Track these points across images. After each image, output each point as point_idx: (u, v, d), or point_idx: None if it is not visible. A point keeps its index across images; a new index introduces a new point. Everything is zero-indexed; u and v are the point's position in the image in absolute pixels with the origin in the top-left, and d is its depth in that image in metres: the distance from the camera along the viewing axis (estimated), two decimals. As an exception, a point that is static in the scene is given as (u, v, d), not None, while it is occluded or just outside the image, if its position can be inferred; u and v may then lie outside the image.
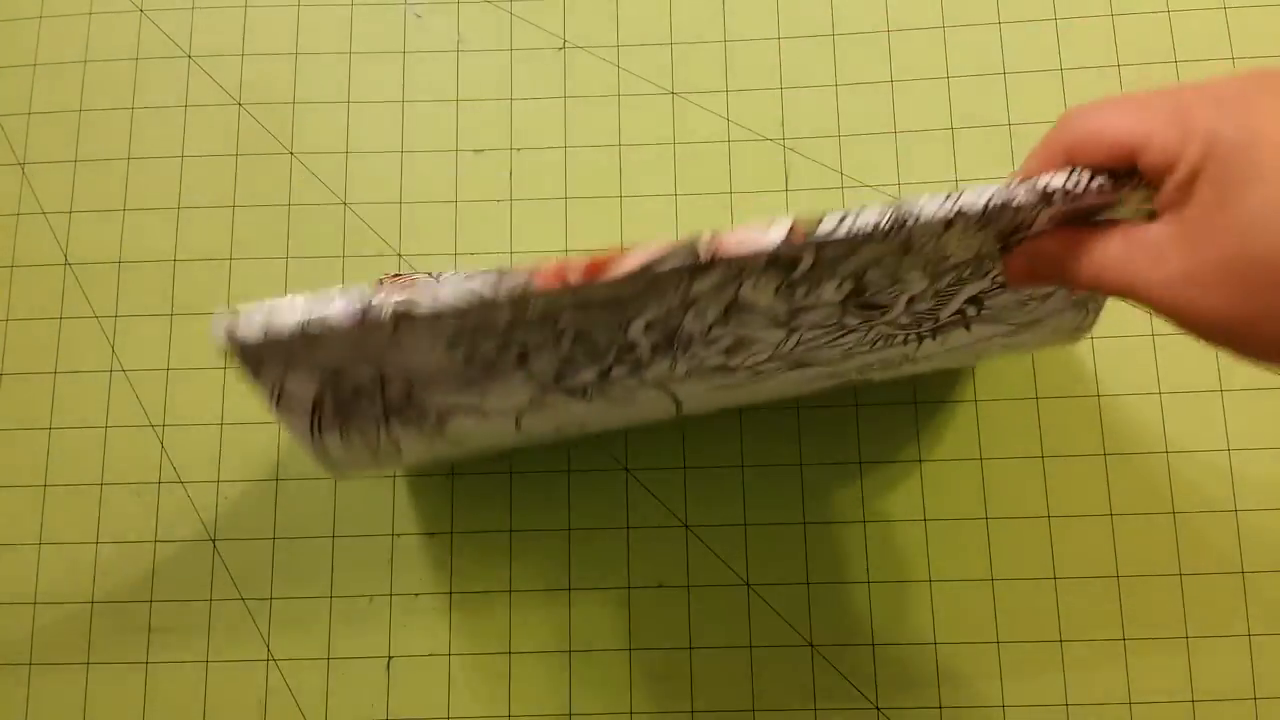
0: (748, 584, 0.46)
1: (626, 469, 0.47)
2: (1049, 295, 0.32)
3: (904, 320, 0.30)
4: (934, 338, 0.33)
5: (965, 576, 0.45)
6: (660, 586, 0.46)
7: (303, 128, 0.51)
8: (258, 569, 0.47)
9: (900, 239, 0.26)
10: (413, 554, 0.47)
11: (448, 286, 0.25)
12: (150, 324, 0.49)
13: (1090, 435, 0.46)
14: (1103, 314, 0.47)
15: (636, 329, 0.27)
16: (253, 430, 0.48)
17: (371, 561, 0.46)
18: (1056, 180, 0.25)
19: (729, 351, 0.30)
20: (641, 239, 0.49)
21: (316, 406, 0.31)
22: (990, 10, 0.51)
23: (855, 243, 0.25)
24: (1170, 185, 0.24)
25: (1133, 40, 0.50)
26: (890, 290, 0.28)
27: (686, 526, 0.46)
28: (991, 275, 0.29)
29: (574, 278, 0.24)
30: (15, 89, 0.52)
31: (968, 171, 0.49)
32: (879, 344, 0.32)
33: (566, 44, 0.52)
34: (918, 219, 0.25)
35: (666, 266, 0.25)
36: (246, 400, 0.48)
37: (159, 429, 0.48)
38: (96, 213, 0.50)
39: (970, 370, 0.47)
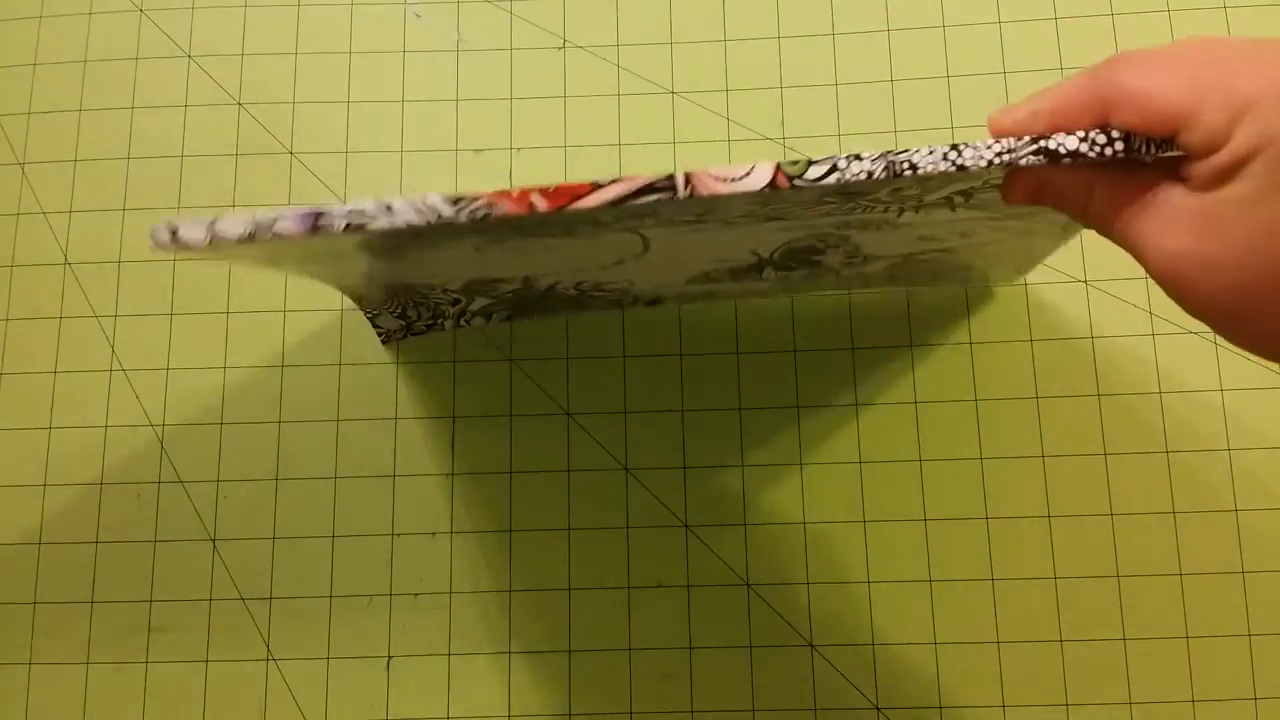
0: (748, 584, 0.46)
1: (626, 469, 0.47)
2: None
3: (886, 199, 0.30)
4: (916, 212, 0.32)
5: (965, 576, 0.45)
6: (660, 586, 0.46)
7: (302, 128, 0.51)
8: (258, 569, 0.47)
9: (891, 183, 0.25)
10: (413, 554, 0.47)
11: (402, 203, 0.25)
12: (150, 324, 0.49)
13: (1090, 435, 0.46)
14: (1104, 315, 0.47)
15: (605, 215, 0.28)
16: (253, 430, 0.48)
17: (371, 561, 0.46)
18: (1071, 142, 0.24)
19: (700, 215, 0.30)
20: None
21: (274, 260, 0.32)
22: (990, 10, 0.51)
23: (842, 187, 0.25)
24: (1207, 167, 0.23)
25: (1132, 40, 0.50)
26: (874, 188, 0.28)
27: (686, 526, 0.46)
28: (986, 181, 0.28)
29: (541, 205, 0.25)
30: (15, 89, 0.52)
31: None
32: (857, 210, 0.31)
33: (566, 44, 0.52)
34: (913, 172, 0.24)
35: (641, 200, 0.25)
36: (247, 400, 0.48)
37: (159, 429, 0.48)
38: (96, 212, 0.50)
39: (970, 370, 0.47)
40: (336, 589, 0.46)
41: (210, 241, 0.26)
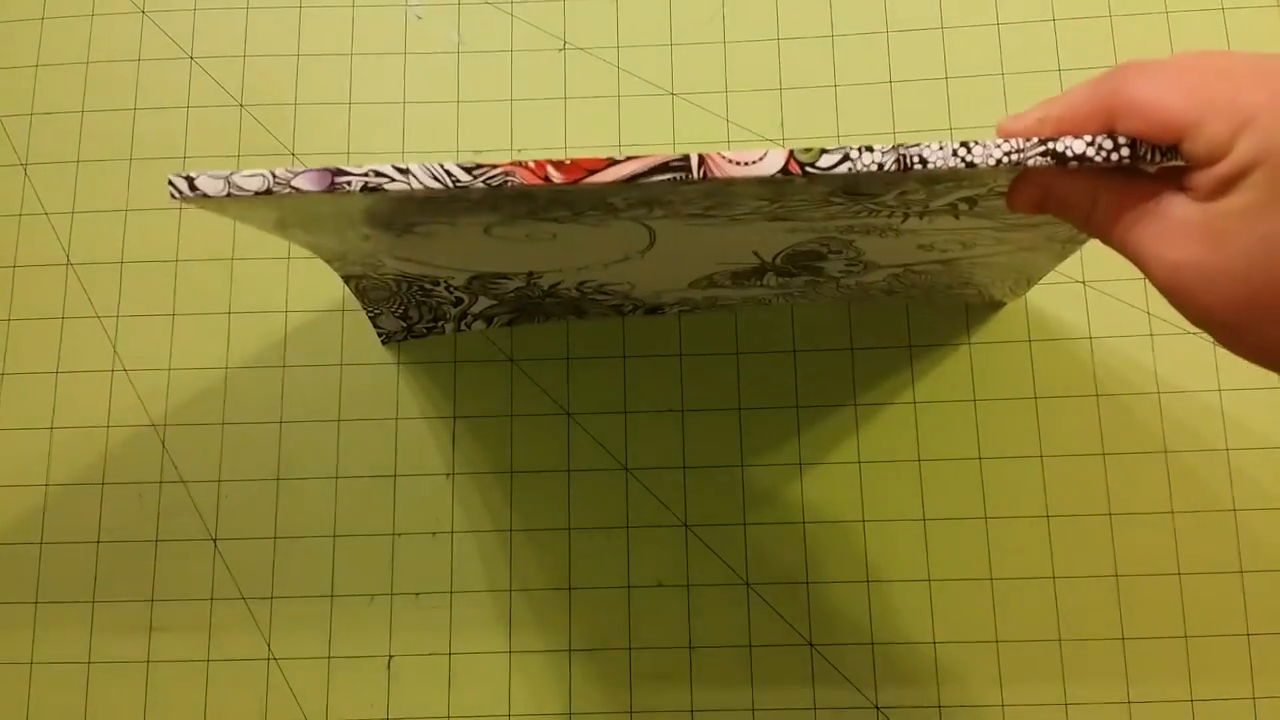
0: (748, 584, 0.46)
1: (626, 469, 0.47)
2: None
3: (892, 203, 0.30)
4: (920, 218, 0.33)
5: (965, 576, 0.45)
6: (660, 586, 0.46)
7: (304, 128, 0.51)
8: (258, 569, 0.47)
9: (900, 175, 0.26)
10: (413, 554, 0.47)
11: (420, 167, 0.25)
12: (151, 324, 0.49)
13: (1090, 435, 0.46)
14: (1103, 316, 0.47)
15: (616, 197, 0.28)
16: (253, 430, 0.48)
17: (371, 561, 0.47)
18: (1078, 145, 0.25)
19: (708, 208, 0.30)
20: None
21: (282, 223, 0.32)
22: (990, 11, 0.51)
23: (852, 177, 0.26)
24: (1209, 177, 0.23)
25: (1132, 41, 0.50)
26: (882, 186, 0.29)
27: (686, 526, 0.46)
28: (992, 188, 0.29)
29: (556, 177, 0.25)
30: (18, 89, 0.52)
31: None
32: (862, 214, 0.32)
33: (566, 44, 0.52)
34: (923, 166, 0.25)
35: (655, 179, 0.25)
36: (247, 400, 0.48)
37: (159, 429, 0.48)
38: (98, 213, 0.51)
39: (969, 370, 0.47)
40: (337, 589, 0.46)
41: (228, 194, 0.26)
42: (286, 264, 0.50)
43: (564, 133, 0.51)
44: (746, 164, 0.25)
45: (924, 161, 0.25)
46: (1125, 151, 0.24)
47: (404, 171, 0.25)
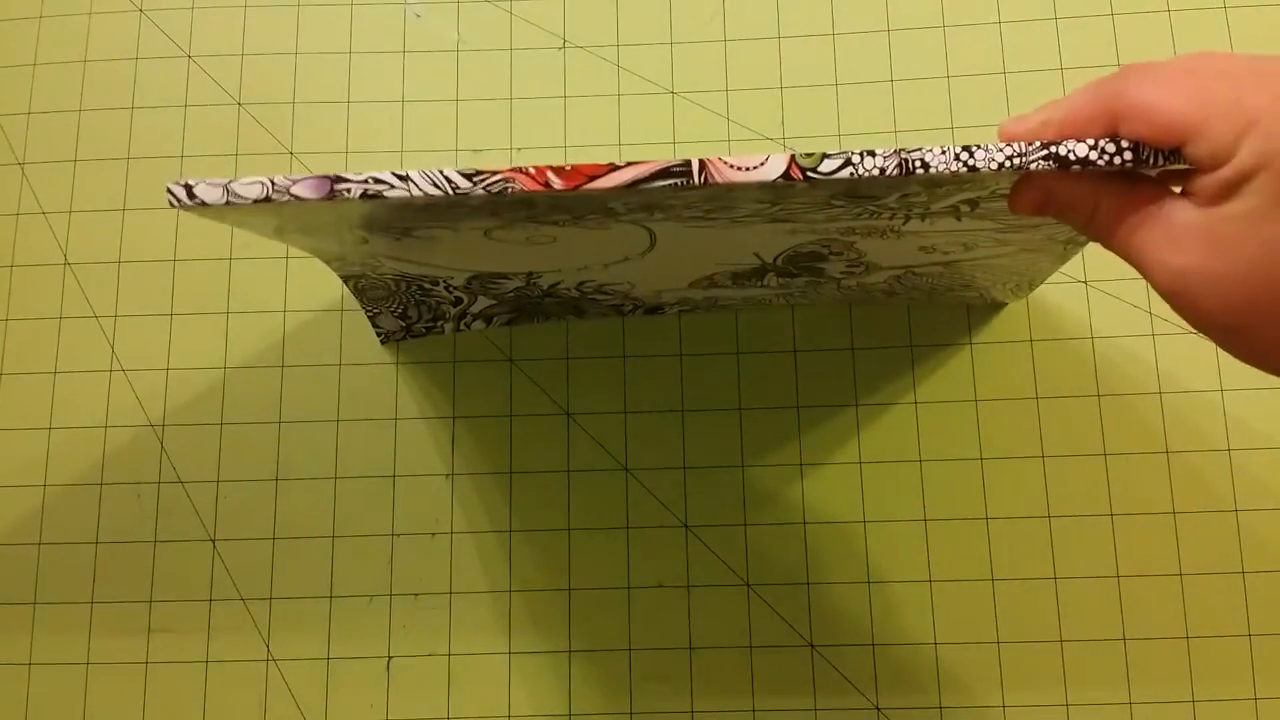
0: (748, 584, 0.46)
1: (626, 469, 0.47)
2: None
3: (893, 205, 0.30)
4: (922, 220, 0.33)
5: (965, 576, 0.45)
6: (660, 586, 0.46)
7: (302, 128, 0.51)
8: (258, 569, 0.47)
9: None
10: (413, 554, 0.46)
11: (419, 174, 0.25)
12: (150, 324, 0.49)
13: (1090, 435, 0.46)
14: (1104, 315, 0.47)
15: (616, 202, 0.28)
16: (253, 430, 0.48)
17: (371, 561, 0.46)
18: (1081, 149, 0.24)
19: (709, 211, 0.30)
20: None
21: (280, 229, 0.32)
22: (990, 10, 0.51)
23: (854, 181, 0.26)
24: (1212, 181, 0.23)
25: (1133, 40, 0.50)
26: (884, 190, 0.29)
27: (686, 526, 0.46)
28: (994, 190, 0.29)
29: (557, 184, 0.25)
30: (15, 89, 0.52)
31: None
32: (864, 216, 0.32)
33: (566, 44, 0.52)
34: (925, 170, 0.25)
35: (656, 184, 0.25)
36: (247, 400, 0.48)
37: (158, 429, 0.48)
38: (96, 212, 0.50)
39: (970, 370, 0.47)
40: (336, 589, 0.46)
41: (227, 202, 0.26)
42: (285, 264, 0.49)
43: (564, 131, 0.50)
44: (747, 169, 0.25)
45: (926, 166, 0.25)
46: (1128, 155, 0.24)
47: (404, 178, 0.25)
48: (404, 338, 0.48)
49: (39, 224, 0.50)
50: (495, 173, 0.25)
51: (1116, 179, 0.25)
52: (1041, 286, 0.47)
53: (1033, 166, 0.25)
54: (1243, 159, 0.22)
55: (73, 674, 0.46)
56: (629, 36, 0.52)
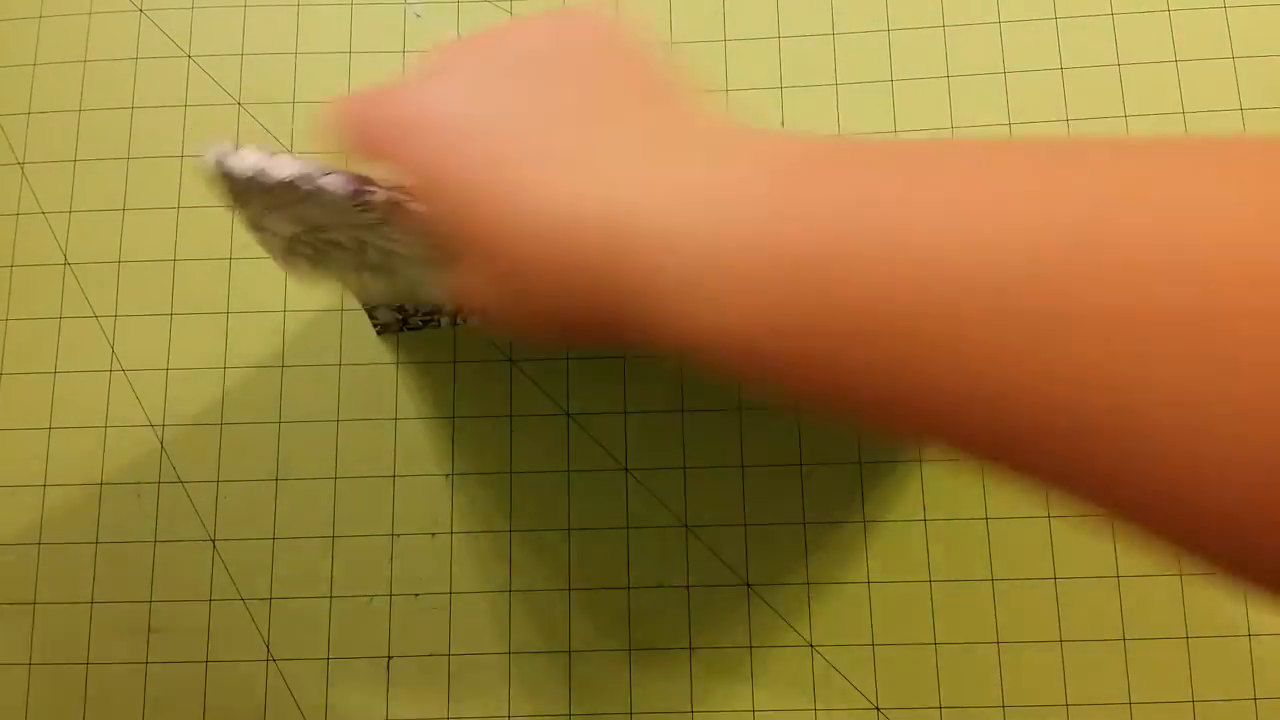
0: (748, 584, 0.46)
1: (626, 469, 0.47)
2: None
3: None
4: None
5: (965, 576, 0.45)
6: (660, 586, 0.46)
7: (302, 128, 0.51)
8: (258, 569, 0.47)
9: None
10: (413, 554, 0.47)
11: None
12: (150, 324, 0.49)
13: (1090, 435, 0.46)
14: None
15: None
16: (253, 430, 0.48)
17: (371, 561, 0.46)
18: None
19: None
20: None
21: (293, 242, 0.32)
22: (990, 10, 0.51)
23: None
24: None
25: (1133, 40, 0.50)
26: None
27: (686, 526, 0.46)
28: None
29: None
30: (14, 88, 0.52)
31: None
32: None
33: (566, 44, 0.52)
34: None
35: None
36: (247, 400, 0.48)
37: (159, 429, 0.48)
38: (96, 212, 0.50)
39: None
40: (336, 589, 0.46)
41: (253, 176, 0.27)
42: (285, 263, 0.49)
43: (564, 132, 0.50)
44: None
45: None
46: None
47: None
48: (400, 330, 0.48)
49: (39, 224, 0.50)
50: None
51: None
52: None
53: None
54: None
55: (73, 674, 0.46)
56: (629, 36, 0.52)
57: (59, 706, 0.46)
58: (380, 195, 0.27)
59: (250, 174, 0.26)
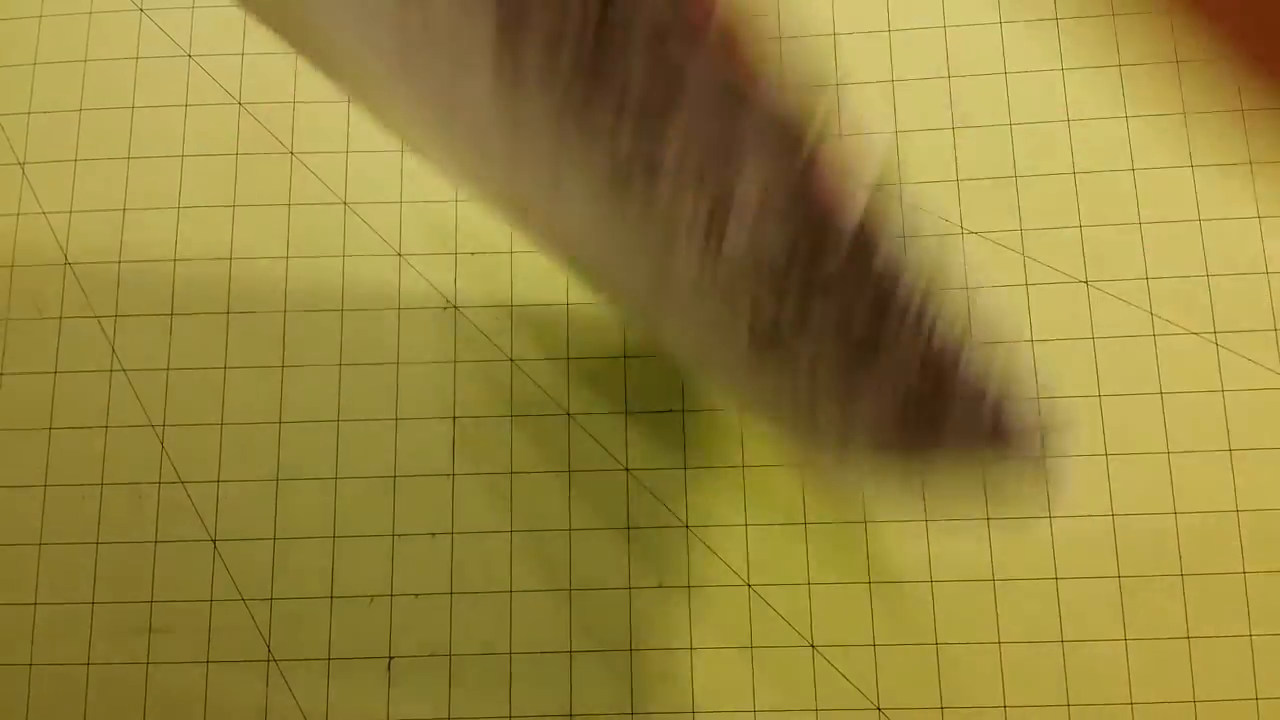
0: (748, 584, 0.46)
1: (626, 469, 0.47)
2: None
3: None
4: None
5: (965, 577, 0.45)
6: (660, 586, 0.46)
7: (302, 128, 0.51)
8: (258, 569, 0.46)
9: None
10: (413, 554, 0.46)
11: None
12: (150, 324, 0.49)
13: (1091, 435, 0.46)
14: (1104, 315, 0.47)
15: None
16: (253, 430, 0.48)
17: (371, 561, 0.46)
18: None
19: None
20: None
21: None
22: (990, 10, 0.51)
23: None
24: None
25: (1133, 40, 0.50)
26: None
27: (687, 526, 0.46)
28: None
29: None
30: (15, 88, 0.52)
31: (968, 171, 0.49)
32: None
33: (567, 44, 0.52)
34: None
35: None
36: (247, 400, 0.48)
37: (159, 429, 0.48)
38: (96, 212, 0.50)
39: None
40: (336, 589, 0.46)
41: None
42: (285, 264, 0.49)
43: (564, 132, 0.50)
44: None
45: None
46: None
47: None
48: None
49: (39, 224, 0.50)
50: None
51: None
52: (1042, 286, 0.47)
53: None
54: None
55: (73, 674, 0.46)
56: (629, 36, 0.52)
57: (59, 706, 0.46)
58: None
59: None
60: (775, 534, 0.46)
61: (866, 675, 0.45)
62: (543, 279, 0.49)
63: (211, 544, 0.47)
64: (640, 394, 0.48)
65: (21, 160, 0.51)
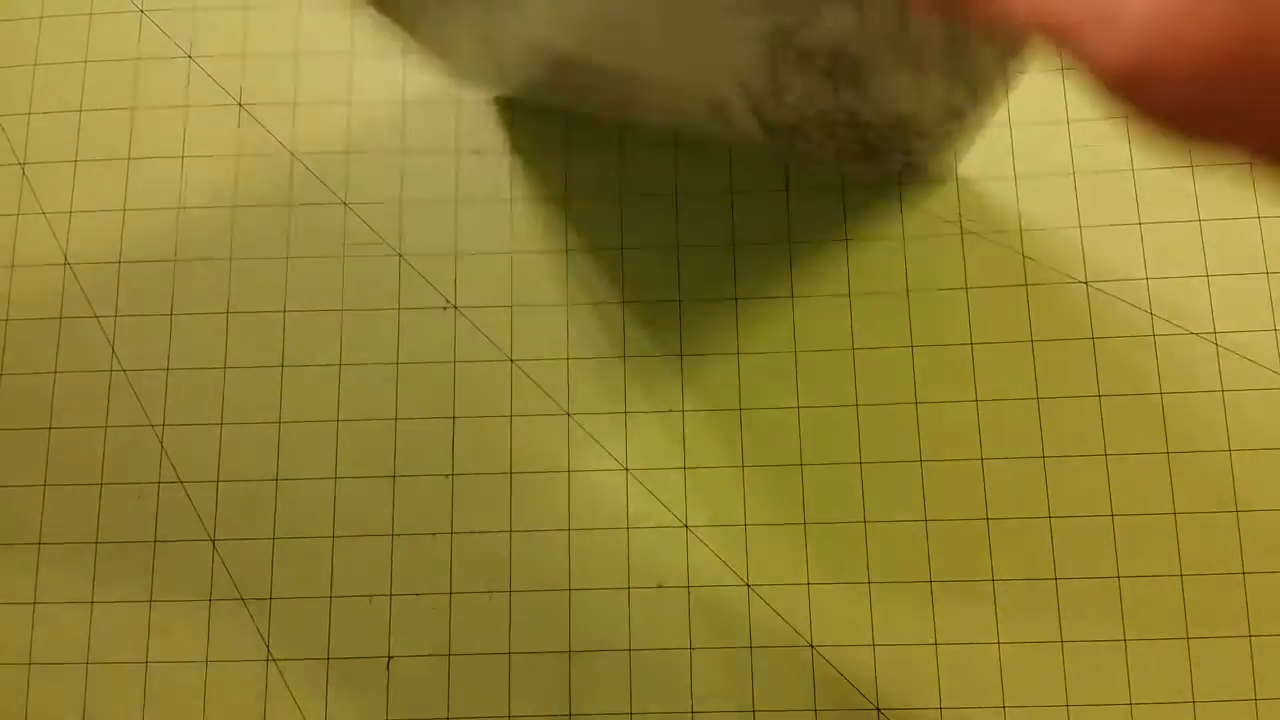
0: (748, 584, 0.46)
1: (626, 469, 0.47)
2: None
3: None
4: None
5: (965, 576, 0.45)
6: (660, 586, 0.46)
7: (303, 128, 0.51)
8: (258, 569, 0.47)
9: None
10: (413, 554, 0.46)
11: None
12: (150, 324, 0.49)
13: (1090, 435, 0.46)
14: (1104, 315, 0.47)
15: None
16: (253, 430, 0.48)
17: (371, 561, 0.46)
18: None
19: None
20: (640, 240, 0.49)
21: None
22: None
23: None
24: None
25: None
26: None
27: (686, 527, 0.46)
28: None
29: None
30: (16, 89, 0.52)
31: (968, 171, 0.49)
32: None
33: (566, 44, 0.52)
34: None
35: None
36: (247, 400, 0.48)
37: (159, 429, 0.48)
38: (96, 213, 0.50)
39: (971, 371, 0.47)
40: (336, 589, 0.46)
41: None
42: (285, 264, 0.49)
43: (564, 130, 0.50)
44: None
45: None
46: None
47: None
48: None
49: (39, 224, 0.50)
50: None
51: None
52: (1041, 286, 0.47)
53: None
54: None
55: (72, 674, 0.46)
56: (629, 37, 0.52)
57: (59, 706, 0.46)
58: None
59: None
60: (775, 534, 0.46)
61: (865, 675, 0.45)
62: (543, 279, 0.49)
63: (211, 544, 0.47)
64: (640, 393, 0.48)
65: (21, 160, 0.51)
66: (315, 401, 0.48)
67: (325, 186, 0.50)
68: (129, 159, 0.51)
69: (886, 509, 0.46)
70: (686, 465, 0.47)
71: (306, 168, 0.51)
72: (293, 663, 0.46)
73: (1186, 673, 0.44)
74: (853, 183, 0.50)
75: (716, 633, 0.45)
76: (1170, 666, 0.44)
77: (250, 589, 0.46)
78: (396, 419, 0.48)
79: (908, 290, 0.48)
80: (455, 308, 0.48)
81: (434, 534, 0.47)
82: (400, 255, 0.49)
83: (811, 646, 0.45)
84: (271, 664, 0.46)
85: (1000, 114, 0.50)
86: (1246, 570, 0.44)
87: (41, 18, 0.53)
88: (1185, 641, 0.44)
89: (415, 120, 0.51)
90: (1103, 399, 0.46)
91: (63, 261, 0.50)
